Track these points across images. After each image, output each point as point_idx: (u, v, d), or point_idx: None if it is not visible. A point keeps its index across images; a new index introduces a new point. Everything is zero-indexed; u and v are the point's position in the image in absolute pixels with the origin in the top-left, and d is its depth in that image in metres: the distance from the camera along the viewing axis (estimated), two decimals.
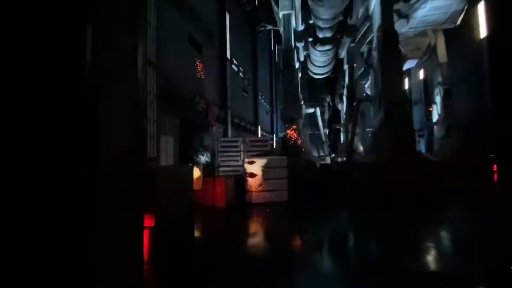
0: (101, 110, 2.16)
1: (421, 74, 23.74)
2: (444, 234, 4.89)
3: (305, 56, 18.87)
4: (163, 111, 7.15)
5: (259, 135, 19.24)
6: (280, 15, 11.04)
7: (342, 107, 22.85)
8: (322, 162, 15.26)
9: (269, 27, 19.64)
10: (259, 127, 18.87)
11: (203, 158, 10.29)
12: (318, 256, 3.98)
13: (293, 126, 9.68)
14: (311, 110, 17.55)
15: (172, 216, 3.90)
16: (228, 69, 12.40)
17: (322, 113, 32.70)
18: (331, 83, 29.96)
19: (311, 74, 22.74)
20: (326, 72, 22.21)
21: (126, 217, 2.49)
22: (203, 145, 10.70)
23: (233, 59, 13.69)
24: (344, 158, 17.58)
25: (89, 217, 2.01)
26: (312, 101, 33.50)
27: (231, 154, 8.68)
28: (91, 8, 2.10)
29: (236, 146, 8.71)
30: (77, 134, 2.00)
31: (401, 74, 9.37)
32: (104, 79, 2.22)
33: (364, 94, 21.40)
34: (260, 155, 7.98)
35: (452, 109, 16.61)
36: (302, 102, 14.13)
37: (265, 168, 7.19)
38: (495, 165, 14.77)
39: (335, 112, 32.98)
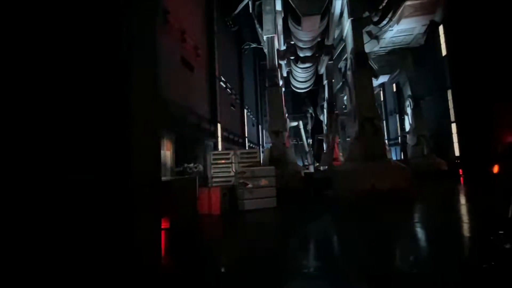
0: (132, 114, 2.42)
1: (394, 88, 25.79)
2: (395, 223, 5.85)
3: (287, 72, 20.15)
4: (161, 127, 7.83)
5: (247, 147, 20.04)
6: (265, 38, 12.16)
7: (324, 118, 24.26)
8: (306, 171, 16.26)
9: (253, 45, 20.93)
10: (247, 139, 19.71)
11: (196, 170, 10.92)
12: (301, 242, 4.77)
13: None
14: (295, 123, 18.64)
15: (182, 220, 4.58)
16: (217, 86, 13.27)
17: (305, 125, 34.21)
18: (313, 95, 31.62)
19: (294, 88, 24.13)
20: (308, 86, 23.66)
21: (148, 217, 3.06)
22: (196, 157, 11.36)
23: (222, 77, 14.60)
24: (326, 167, 18.73)
25: (118, 216, 2.51)
26: (296, 113, 35.05)
27: (223, 165, 9.40)
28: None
29: (228, 158, 9.45)
30: (113, 134, 2.28)
31: (372, 91, 10.59)
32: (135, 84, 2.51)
33: (343, 106, 22.97)
34: (250, 166, 8.77)
35: (421, 120, 18.30)
36: (287, 116, 15.16)
37: (255, 177, 7.97)
38: (460, 169, 16.46)
39: (317, 123, 34.56)
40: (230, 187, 8.22)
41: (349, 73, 11.11)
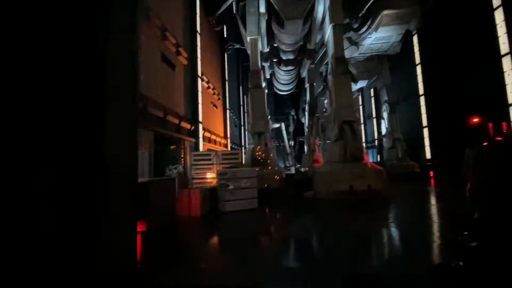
0: (108, 114, 2.38)
1: (372, 93, 26.82)
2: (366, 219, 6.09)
3: (271, 74, 20.32)
4: (139, 126, 7.56)
5: (229, 148, 19.90)
6: (248, 39, 12.17)
7: (305, 120, 24.72)
8: (287, 172, 16.45)
9: (237, 46, 20.88)
10: (229, 140, 19.57)
11: (176, 171, 10.67)
12: (279, 242, 4.81)
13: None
14: (277, 125, 18.79)
15: (159, 223, 4.42)
16: (199, 85, 13.07)
17: (287, 127, 34.69)
18: (295, 98, 32.17)
19: (277, 91, 24.37)
20: (290, 89, 24.01)
21: (124, 220, 2.93)
22: (176, 158, 11.10)
23: (204, 76, 14.40)
24: (307, 168, 19.07)
25: (91, 219, 2.36)
26: (278, 115, 35.45)
27: (204, 166, 9.26)
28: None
29: (209, 159, 9.32)
30: (86, 132, 2.21)
31: (351, 95, 10.95)
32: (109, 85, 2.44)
33: (324, 109, 23.53)
34: (231, 167, 8.71)
35: (397, 124, 19.20)
36: (269, 117, 15.26)
37: (237, 178, 7.93)
38: (431, 171, 17.43)
39: (299, 125, 35.18)
40: (211, 188, 8.10)
41: (329, 77, 11.40)
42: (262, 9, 12.27)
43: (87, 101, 2.40)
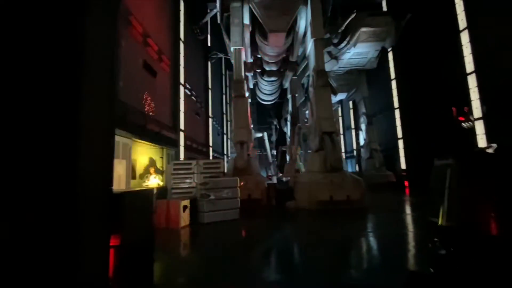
0: (82, 120, 2.35)
1: (351, 105, 27.88)
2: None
3: (254, 84, 20.55)
4: (116, 134, 7.28)
5: (211, 157, 19.67)
6: (232, 49, 12.30)
7: (288, 130, 25.10)
8: (269, 182, 16.48)
9: (221, 55, 21.01)
10: (211, 149, 19.37)
11: (154, 181, 10.33)
12: (258, 253, 4.76)
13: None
14: (259, 135, 18.80)
15: (135, 237, 4.18)
16: (181, 93, 12.93)
17: (270, 136, 35.00)
18: (278, 108, 32.67)
19: (260, 100, 24.64)
20: (273, 99, 24.40)
21: (96, 233, 2.75)
22: (155, 167, 10.76)
23: (187, 84, 14.28)
24: (289, 178, 19.24)
25: (60, 232, 2.19)
26: (261, 124, 35.73)
27: (184, 176, 9.04)
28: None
29: (190, 169, 9.11)
30: (57, 139, 2.01)
31: (331, 107, 11.31)
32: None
33: (305, 119, 24.06)
34: (213, 177, 8.58)
35: (374, 135, 20.00)
36: (252, 126, 15.34)
37: (218, 188, 7.80)
38: (406, 181, 18.20)
39: (281, 134, 35.64)
40: (191, 199, 7.90)
41: (311, 89, 11.72)
42: (246, 20, 12.50)
43: (58, 104, 2.27)
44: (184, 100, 13.40)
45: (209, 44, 20.13)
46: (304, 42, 13.73)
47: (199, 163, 9.23)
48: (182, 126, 12.63)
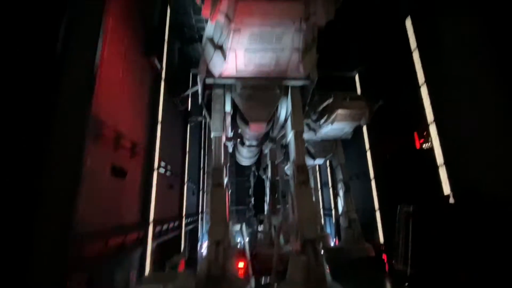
0: None
1: (328, 163, 28.49)
2: None
3: (233, 149, 20.30)
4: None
5: (183, 224, 18.35)
6: (212, 136, 11.97)
7: (266, 180, 24.15)
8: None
9: (201, 118, 20.81)
10: (184, 218, 18.12)
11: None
12: None
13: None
14: (237, 228, 17.62)
15: None
16: (154, 179, 12.10)
17: (248, 188, 34.31)
18: (257, 160, 32.58)
19: (239, 161, 24.33)
20: (252, 162, 24.25)
21: None
22: None
23: (161, 162, 13.54)
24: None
25: None
26: (239, 176, 35.09)
27: None
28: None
29: None
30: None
31: (313, 208, 11.06)
32: None
33: (285, 175, 23.71)
34: None
35: (351, 204, 20.03)
36: (231, 208, 14.58)
37: None
38: (384, 254, 17.99)
39: (260, 182, 34.98)
40: None
41: (291, 182, 11.49)
42: (228, 108, 12.46)
43: None
44: (157, 181, 12.51)
45: (189, 109, 19.94)
46: (284, 127, 13.88)
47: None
48: (152, 216, 11.58)
